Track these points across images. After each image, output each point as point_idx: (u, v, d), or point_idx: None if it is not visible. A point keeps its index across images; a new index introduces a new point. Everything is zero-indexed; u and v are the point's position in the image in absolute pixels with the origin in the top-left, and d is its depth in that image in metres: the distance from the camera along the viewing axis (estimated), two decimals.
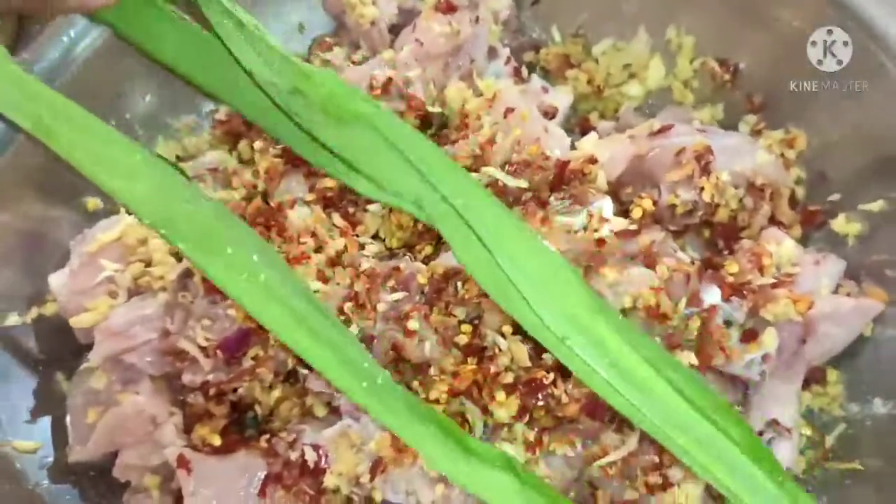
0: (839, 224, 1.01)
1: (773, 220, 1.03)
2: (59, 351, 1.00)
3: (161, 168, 0.83)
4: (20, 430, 0.96)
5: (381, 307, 0.86)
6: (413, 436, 0.79)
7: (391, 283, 0.87)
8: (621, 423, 0.87)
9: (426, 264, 0.91)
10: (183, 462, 0.85)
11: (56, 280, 0.95)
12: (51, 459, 0.96)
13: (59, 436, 0.96)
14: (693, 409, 0.79)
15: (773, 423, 0.90)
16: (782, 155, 1.05)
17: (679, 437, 0.78)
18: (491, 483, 0.78)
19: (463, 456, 0.79)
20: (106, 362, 0.90)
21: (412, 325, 0.84)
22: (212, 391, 0.89)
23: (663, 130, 1.00)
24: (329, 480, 0.81)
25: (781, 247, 0.94)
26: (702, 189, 0.94)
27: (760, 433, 0.90)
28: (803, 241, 1.03)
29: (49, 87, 0.84)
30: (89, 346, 0.95)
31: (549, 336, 0.80)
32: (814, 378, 0.97)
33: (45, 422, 0.98)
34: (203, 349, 0.86)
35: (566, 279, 0.82)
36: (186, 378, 0.88)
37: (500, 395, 0.83)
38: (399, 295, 0.86)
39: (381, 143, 0.87)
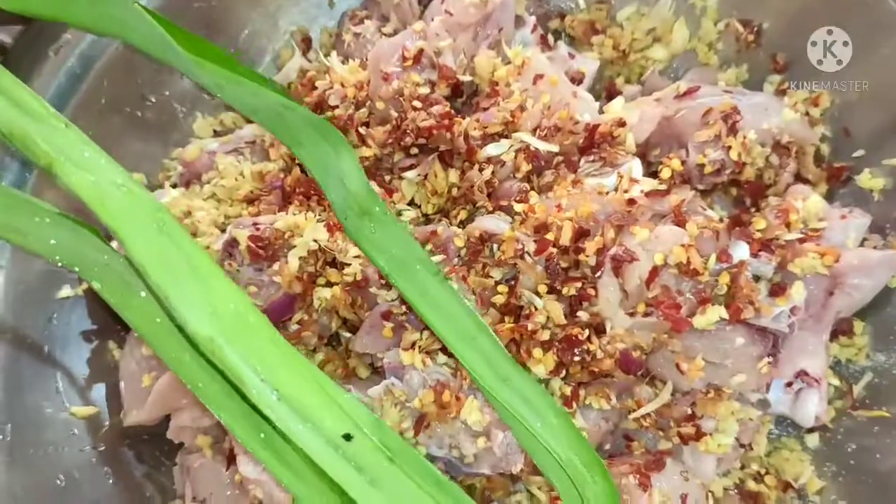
0: (864, 179, 1.02)
1: (799, 178, 1.05)
2: (109, 321, 1.04)
3: (70, 227, 0.87)
4: (76, 397, 1.00)
5: None
6: (301, 490, 0.79)
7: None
8: (654, 377, 0.90)
9: (462, 228, 0.93)
10: None
11: None
12: (107, 424, 1.00)
13: (113, 402, 1.01)
14: None
15: (803, 374, 0.92)
16: (807, 113, 1.06)
17: None
18: None
19: None
20: None
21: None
22: None
23: (690, 92, 1.01)
24: None
25: (808, 202, 0.95)
26: (729, 148, 0.96)
27: (790, 384, 0.93)
28: (829, 197, 1.04)
29: None
30: None
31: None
32: (841, 330, 0.99)
33: (100, 388, 1.02)
34: None
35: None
36: None
37: (538, 353, 0.85)
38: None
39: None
